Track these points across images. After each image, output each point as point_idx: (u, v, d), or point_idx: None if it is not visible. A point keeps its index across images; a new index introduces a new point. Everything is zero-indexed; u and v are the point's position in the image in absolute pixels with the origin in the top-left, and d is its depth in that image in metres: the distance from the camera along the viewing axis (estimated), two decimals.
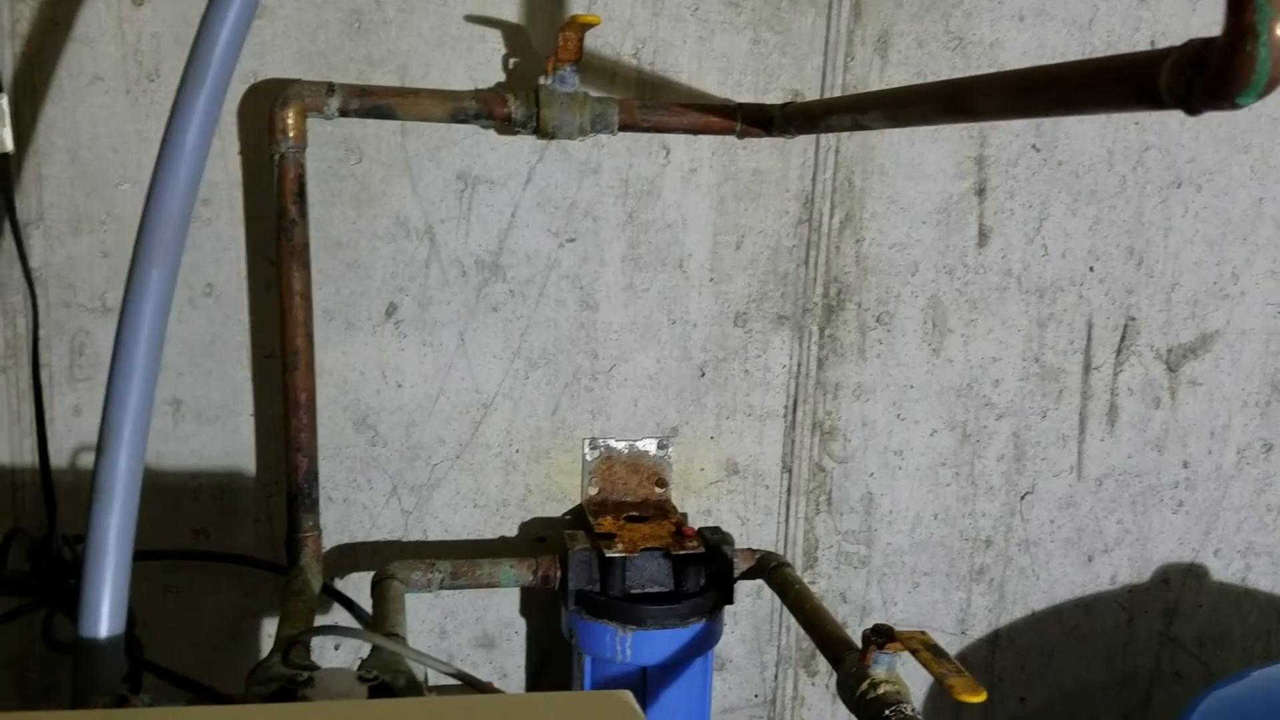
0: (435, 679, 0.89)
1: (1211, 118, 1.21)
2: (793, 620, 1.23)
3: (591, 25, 0.93)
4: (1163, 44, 1.17)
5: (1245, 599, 1.35)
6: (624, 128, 1.03)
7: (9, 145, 0.88)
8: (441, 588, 1.05)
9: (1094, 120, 1.19)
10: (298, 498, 1.01)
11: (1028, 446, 1.26)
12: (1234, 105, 0.45)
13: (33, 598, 0.89)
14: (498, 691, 0.56)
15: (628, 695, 0.57)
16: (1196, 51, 0.46)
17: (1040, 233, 1.21)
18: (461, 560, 1.07)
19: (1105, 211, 1.21)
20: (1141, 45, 1.17)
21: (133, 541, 0.63)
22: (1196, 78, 0.46)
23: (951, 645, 1.29)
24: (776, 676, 1.27)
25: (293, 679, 0.65)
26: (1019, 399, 1.24)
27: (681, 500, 1.20)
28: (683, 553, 1.05)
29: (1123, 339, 1.25)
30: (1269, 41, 0.42)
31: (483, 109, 0.99)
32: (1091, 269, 1.22)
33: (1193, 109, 0.48)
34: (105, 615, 0.61)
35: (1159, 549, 1.32)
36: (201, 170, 0.65)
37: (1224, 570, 1.34)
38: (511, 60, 1.07)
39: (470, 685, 0.59)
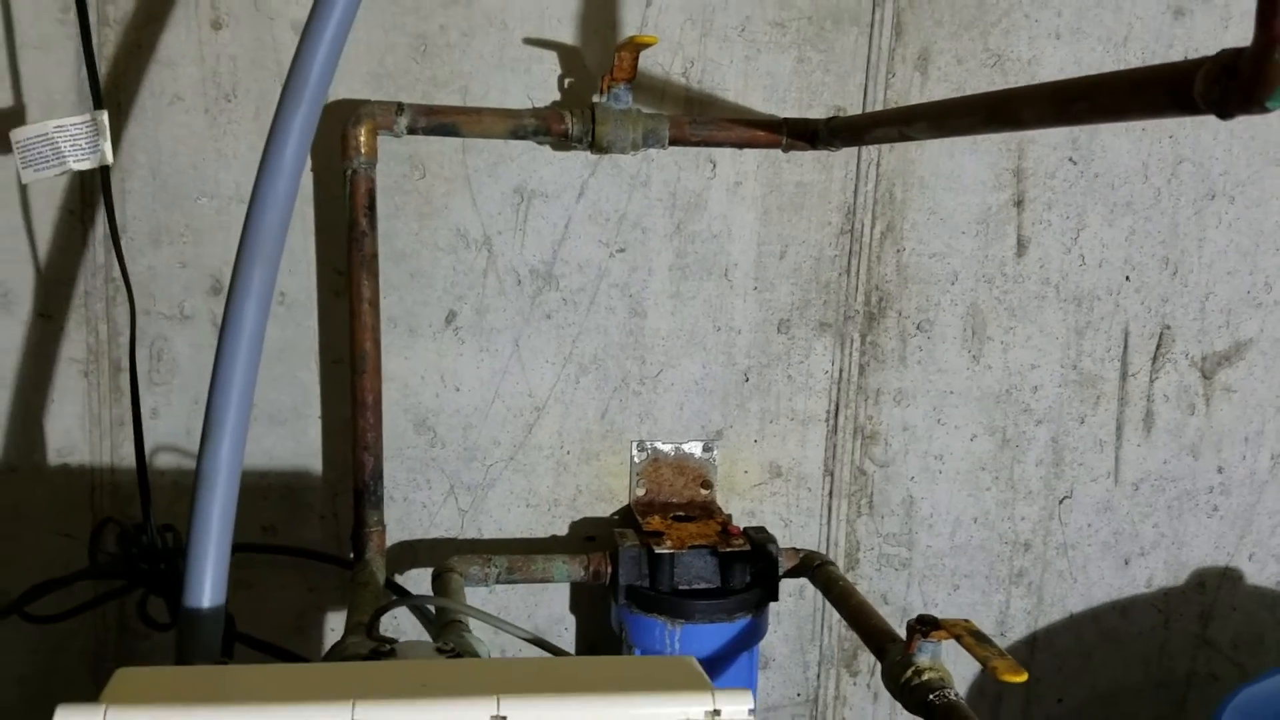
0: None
1: (1244, 131, 1.24)
2: (835, 620, 1.27)
3: (648, 45, 0.98)
4: None
5: None
6: (674, 142, 1.08)
7: (109, 158, 0.94)
8: (498, 582, 1.09)
9: (1129, 133, 1.22)
10: (364, 494, 1.06)
11: (1066, 451, 1.29)
12: (1263, 109, 0.49)
13: (126, 580, 0.94)
14: (569, 654, 0.60)
15: (691, 660, 0.61)
16: (1229, 60, 0.51)
17: (1077, 243, 1.24)
18: (516, 556, 1.11)
19: (1141, 223, 1.25)
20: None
21: (233, 520, 0.68)
22: (1229, 85, 0.51)
23: None
24: (819, 675, 1.30)
25: (376, 650, 0.69)
26: (1057, 405, 1.27)
27: (726, 502, 1.24)
28: (729, 550, 1.09)
29: (1158, 347, 1.28)
30: None
31: (541, 126, 1.04)
32: (1128, 278, 1.26)
33: (1225, 114, 0.52)
34: (208, 587, 0.66)
35: (1194, 553, 1.34)
36: (298, 181, 0.70)
37: (1259, 574, 1.36)
38: (566, 80, 1.12)
39: (547, 649, 0.64)
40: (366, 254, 1.03)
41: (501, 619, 0.72)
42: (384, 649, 0.69)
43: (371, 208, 1.03)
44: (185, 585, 0.66)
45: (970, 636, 0.80)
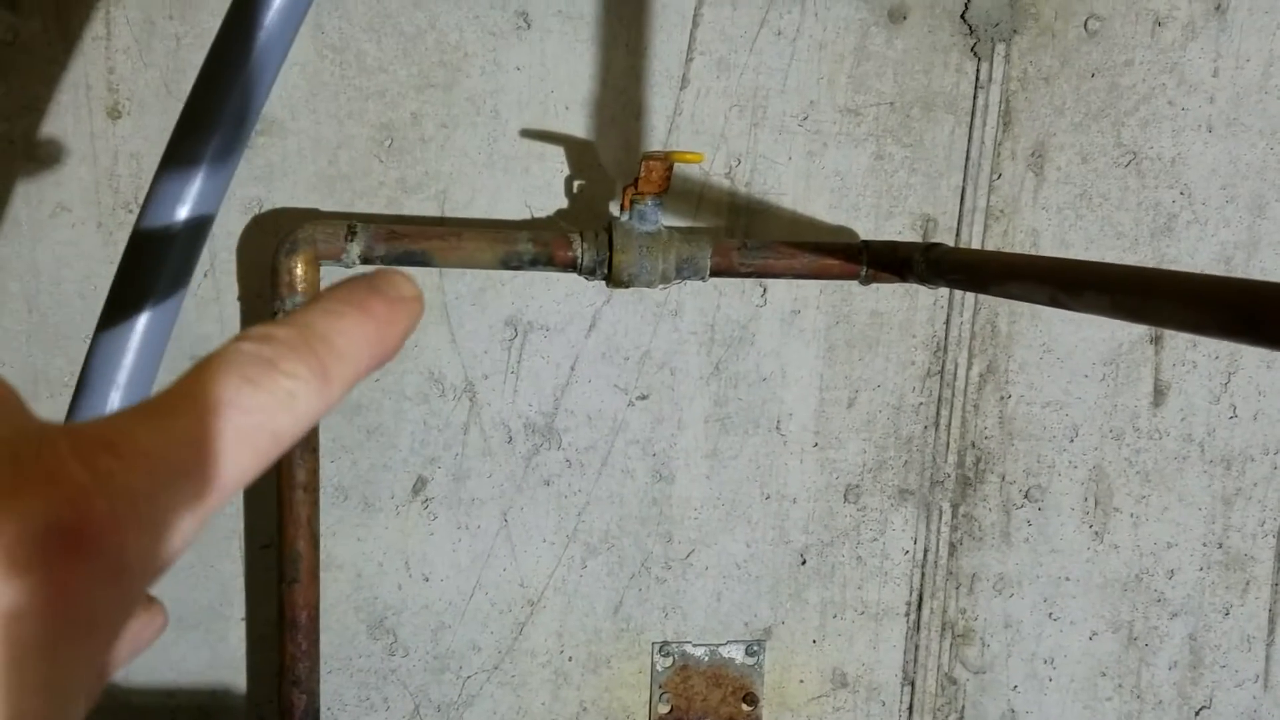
0: None
1: None
2: None
3: (691, 162, 0.71)
4: None
5: None
6: (717, 273, 0.81)
7: None
8: None
9: None
10: None
11: (1206, 651, 1.01)
12: None
13: None
14: None
15: None
16: None
17: (1228, 389, 0.97)
18: None
19: None
20: None
21: None
22: None
23: None
24: None
25: None
26: (1197, 593, 0.99)
27: None
28: None
29: None
30: None
31: (541, 253, 0.77)
32: None
33: None
34: None
35: None
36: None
37: None
38: (576, 183, 0.86)
39: None
40: None
41: None
42: None
43: None
44: None
45: None
